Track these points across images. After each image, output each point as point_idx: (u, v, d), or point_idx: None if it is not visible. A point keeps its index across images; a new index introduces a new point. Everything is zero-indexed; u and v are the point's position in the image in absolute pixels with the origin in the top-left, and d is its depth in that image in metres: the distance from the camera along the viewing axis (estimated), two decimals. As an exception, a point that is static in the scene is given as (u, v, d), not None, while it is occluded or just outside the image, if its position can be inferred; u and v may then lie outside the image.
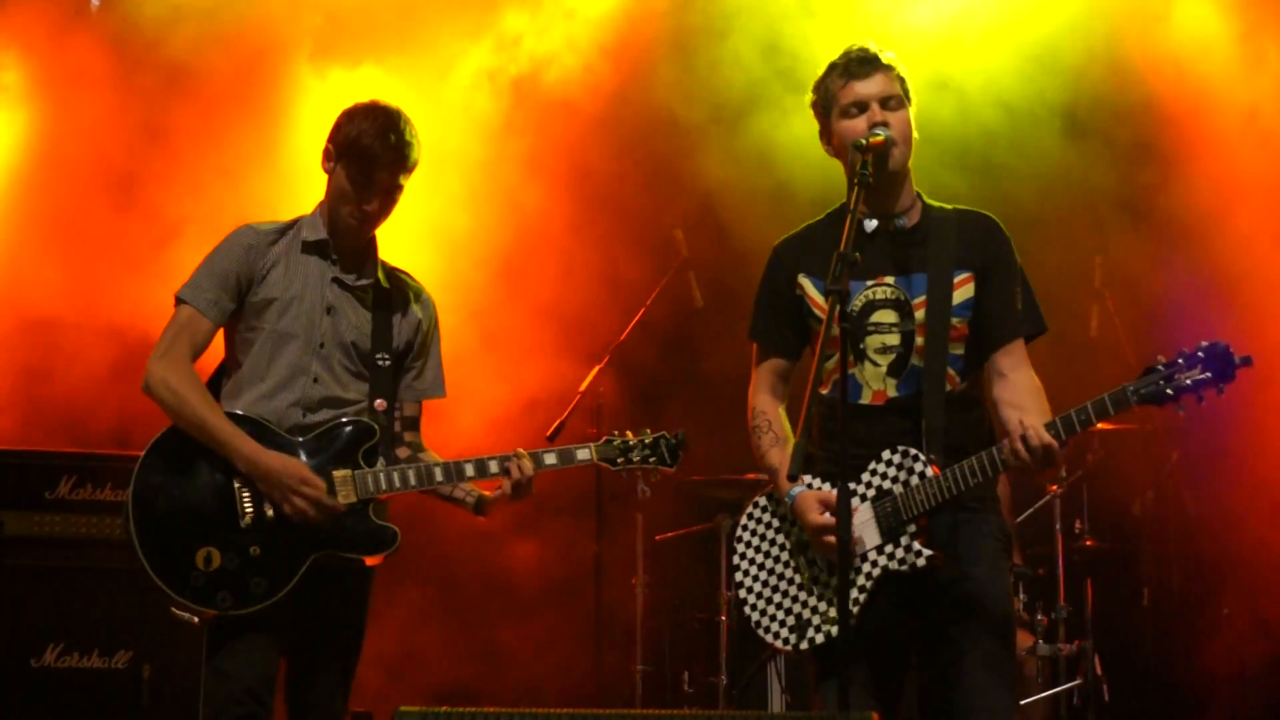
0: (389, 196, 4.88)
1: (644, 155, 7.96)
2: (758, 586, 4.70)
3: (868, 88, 4.48)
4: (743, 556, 4.77)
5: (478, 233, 7.73)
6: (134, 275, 7.03)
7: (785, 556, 4.67)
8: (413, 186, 5.21)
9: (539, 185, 7.79)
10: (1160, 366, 4.22)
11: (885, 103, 4.45)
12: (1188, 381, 4.19)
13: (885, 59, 4.54)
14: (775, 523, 4.68)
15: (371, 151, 4.76)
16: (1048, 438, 4.15)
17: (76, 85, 7.77)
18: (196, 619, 4.68)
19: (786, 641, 4.54)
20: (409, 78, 7.75)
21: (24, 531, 6.60)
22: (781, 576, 4.67)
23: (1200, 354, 4.19)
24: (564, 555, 7.96)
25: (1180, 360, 4.19)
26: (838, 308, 4.15)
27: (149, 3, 7.77)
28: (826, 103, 4.57)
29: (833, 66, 4.57)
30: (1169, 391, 4.17)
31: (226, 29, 7.65)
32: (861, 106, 4.46)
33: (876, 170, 4.38)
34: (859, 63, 4.51)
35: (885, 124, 4.42)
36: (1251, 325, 7.11)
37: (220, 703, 4.69)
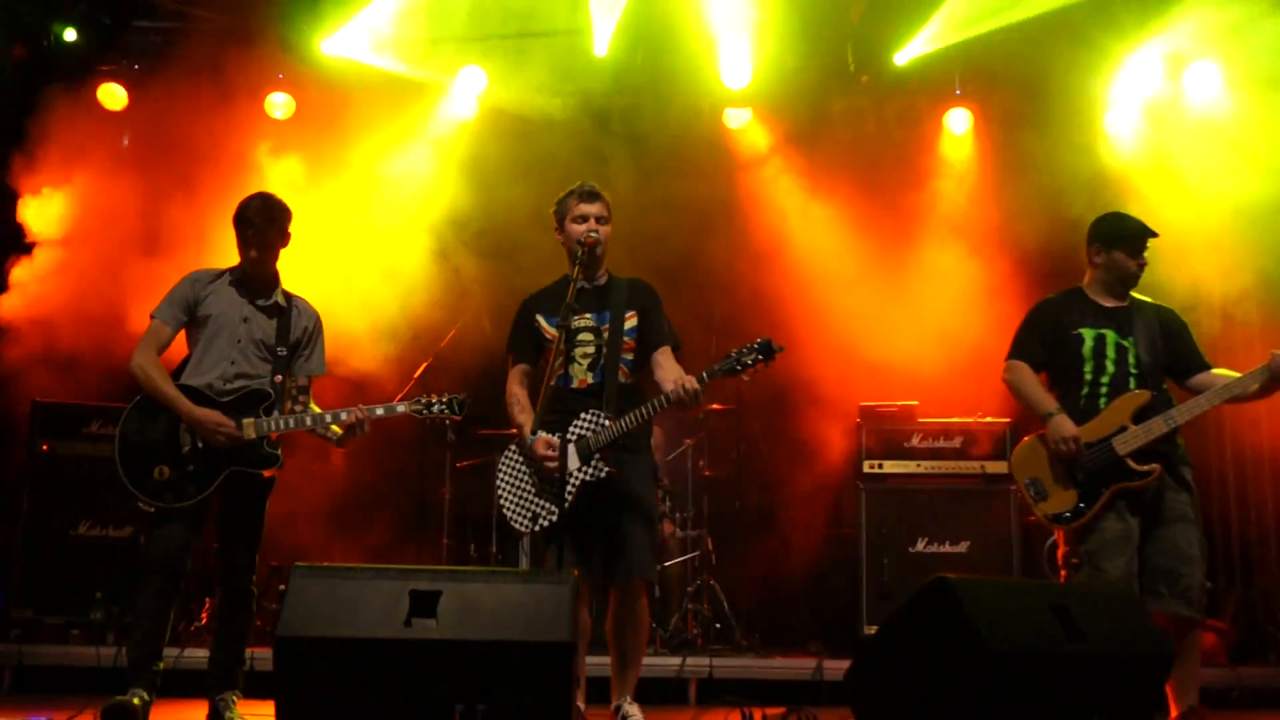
0: (265, 249, 5.85)
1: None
2: (510, 495, 5.54)
3: (591, 208, 5.67)
4: (501, 478, 5.61)
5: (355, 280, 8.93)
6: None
7: (525, 476, 5.52)
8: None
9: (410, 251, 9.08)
10: (732, 354, 5.25)
11: (599, 219, 5.66)
12: (749, 361, 5.19)
13: (603, 193, 5.71)
14: (520, 457, 5.60)
15: (245, 216, 5.82)
16: (695, 384, 5.20)
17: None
18: (152, 508, 5.70)
19: (525, 526, 5.49)
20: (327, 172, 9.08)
21: (70, 452, 8.50)
22: (523, 488, 5.52)
23: (757, 344, 5.19)
24: (403, 475, 9.45)
25: (744, 349, 5.22)
26: (563, 333, 5.33)
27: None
28: (563, 212, 5.70)
29: (571, 192, 5.71)
30: (738, 367, 5.19)
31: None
32: (585, 218, 5.63)
33: (589, 256, 5.55)
34: (588, 193, 5.69)
35: (597, 231, 5.61)
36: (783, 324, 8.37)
37: (153, 560, 5.67)
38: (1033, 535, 8.65)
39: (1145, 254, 6.16)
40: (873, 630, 8.21)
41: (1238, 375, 5.96)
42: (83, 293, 8.86)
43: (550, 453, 5.29)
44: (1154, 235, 6.15)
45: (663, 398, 5.27)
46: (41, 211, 9.17)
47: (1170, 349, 6.12)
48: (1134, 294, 6.27)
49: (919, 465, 8.79)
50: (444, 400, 5.87)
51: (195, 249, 8.33)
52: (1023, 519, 8.55)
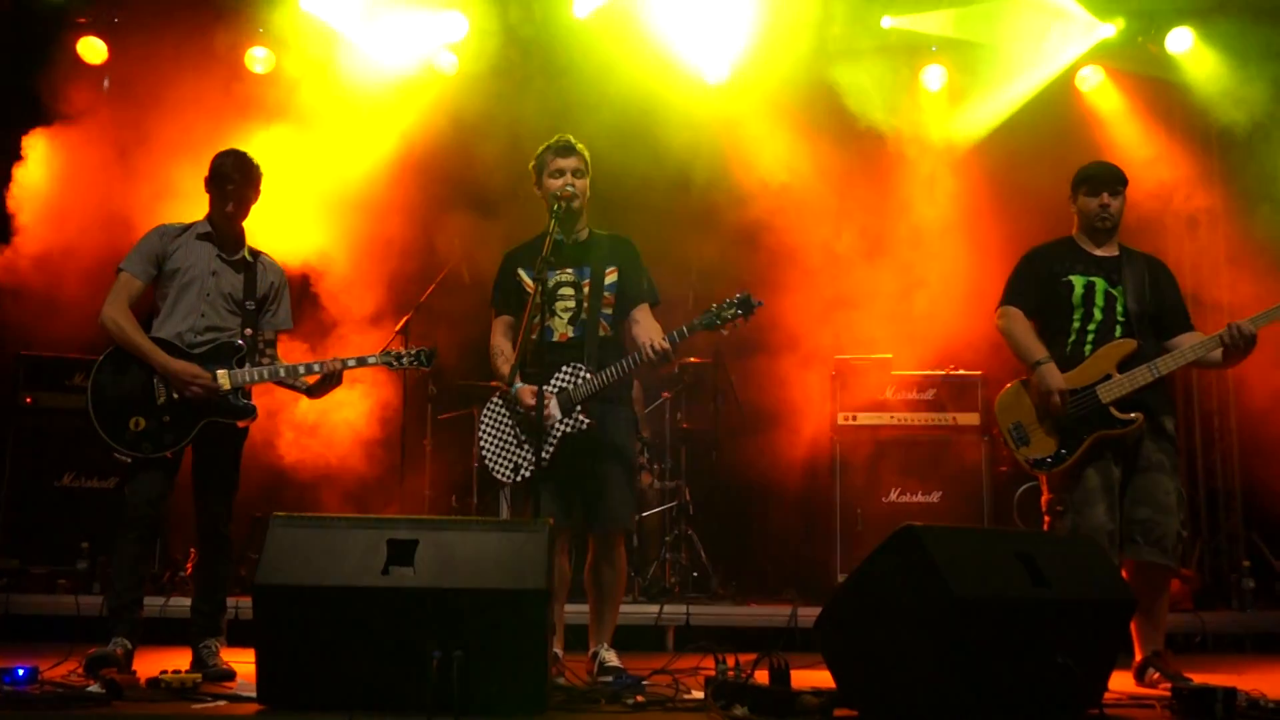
0: (241, 203, 5.88)
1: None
2: (492, 445, 5.59)
3: (567, 162, 5.65)
4: (483, 429, 5.67)
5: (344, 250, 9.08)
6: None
7: (507, 427, 5.56)
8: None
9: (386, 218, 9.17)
10: (712, 308, 5.32)
11: (576, 172, 5.65)
12: (728, 315, 5.28)
13: (579, 147, 5.71)
14: (503, 408, 5.66)
15: (223, 171, 5.86)
16: (665, 344, 5.32)
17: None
18: (129, 459, 5.71)
19: (507, 477, 5.53)
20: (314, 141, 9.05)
21: (53, 404, 8.65)
22: (504, 439, 5.55)
23: (736, 299, 5.27)
24: (386, 428, 9.27)
25: (724, 304, 5.29)
26: (540, 286, 5.30)
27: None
28: (541, 166, 5.73)
29: (547, 147, 5.71)
30: (718, 321, 5.29)
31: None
32: (561, 173, 5.63)
33: (566, 210, 5.56)
34: (563, 147, 5.68)
35: (573, 185, 5.62)
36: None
37: (130, 509, 5.68)
38: (1003, 485, 8.80)
39: (1114, 198, 6.17)
40: (846, 579, 8.25)
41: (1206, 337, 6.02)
42: (64, 244, 8.89)
43: (535, 402, 5.32)
44: (1119, 178, 6.19)
45: (635, 355, 5.34)
46: (24, 165, 9.24)
47: (1157, 301, 6.11)
48: (1124, 244, 6.29)
49: (892, 417, 8.90)
50: (413, 352, 5.95)
51: (174, 203, 8.21)
52: (993, 469, 8.73)
